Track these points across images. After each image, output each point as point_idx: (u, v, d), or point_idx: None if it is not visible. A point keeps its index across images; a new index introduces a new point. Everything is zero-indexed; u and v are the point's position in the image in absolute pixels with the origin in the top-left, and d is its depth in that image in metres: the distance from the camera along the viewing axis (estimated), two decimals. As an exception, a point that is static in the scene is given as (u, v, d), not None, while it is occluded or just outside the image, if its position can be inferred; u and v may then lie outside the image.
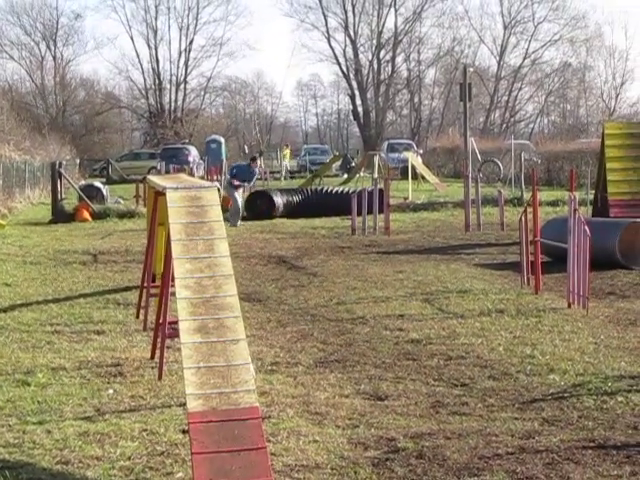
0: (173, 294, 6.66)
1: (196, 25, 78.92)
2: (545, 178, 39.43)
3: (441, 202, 28.32)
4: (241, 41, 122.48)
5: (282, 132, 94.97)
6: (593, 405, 7.23)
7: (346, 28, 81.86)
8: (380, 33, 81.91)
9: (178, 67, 78.66)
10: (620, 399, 7.36)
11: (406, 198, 29.79)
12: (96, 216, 25.99)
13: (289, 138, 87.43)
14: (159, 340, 8.41)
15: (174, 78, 78.65)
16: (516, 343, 9.47)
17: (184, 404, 6.17)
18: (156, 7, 77.78)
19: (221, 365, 5.70)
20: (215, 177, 33.58)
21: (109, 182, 44.37)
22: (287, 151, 58.29)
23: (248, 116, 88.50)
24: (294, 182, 43.55)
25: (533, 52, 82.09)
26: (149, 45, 78.48)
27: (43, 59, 78.28)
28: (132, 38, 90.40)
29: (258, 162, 27.45)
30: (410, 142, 60.65)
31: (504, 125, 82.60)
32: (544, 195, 26.94)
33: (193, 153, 54.85)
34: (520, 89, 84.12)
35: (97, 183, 32.64)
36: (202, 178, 32.90)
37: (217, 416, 5.41)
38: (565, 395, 7.54)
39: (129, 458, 6.20)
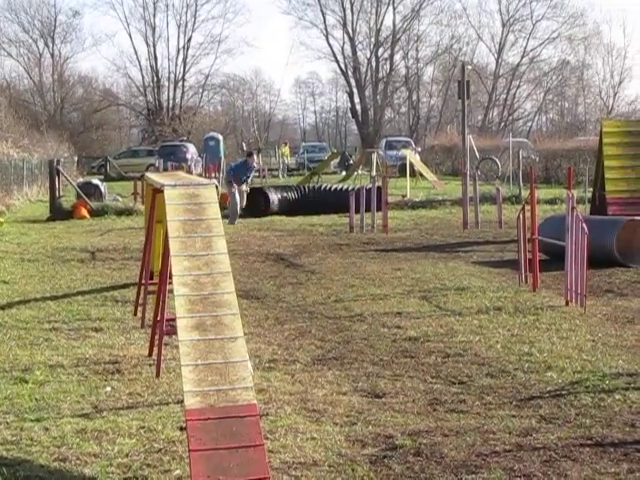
0: (171, 291, 6.65)
1: (194, 22, 78.97)
2: (543, 176, 39.43)
3: (439, 200, 28.32)
4: (239, 38, 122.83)
5: (280, 130, 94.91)
6: (591, 403, 7.23)
7: (344, 26, 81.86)
8: (378, 31, 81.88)
9: (176, 64, 78.70)
10: (618, 397, 7.36)
11: (404, 196, 29.80)
12: (94, 213, 25.99)
13: (287, 135, 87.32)
14: (157, 337, 8.41)
15: (172, 75, 78.67)
16: (514, 341, 9.47)
17: (182, 401, 6.17)
18: (154, 4, 77.80)
19: (219, 362, 5.70)
20: (213, 174, 33.58)
21: (107, 179, 44.32)
22: (286, 148, 58.26)
23: (246, 113, 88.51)
24: (292, 179, 43.55)
25: (531, 50, 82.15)
26: (147, 42, 78.51)
27: (41, 56, 78.23)
28: (130, 35, 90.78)
29: (255, 157, 27.31)
30: (408, 140, 60.65)
31: (502, 123, 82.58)
32: (542, 193, 26.93)
33: (191, 150, 54.85)
34: (518, 87, 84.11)
35: (95, 180, 32.63)
36: (200, 175, 32.85)
37: (215, 413, 5.41)
38: (563, 393, 7.55)
39: (127, 455, 6.20)
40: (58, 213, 25.87)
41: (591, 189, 20.33)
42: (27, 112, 60.05)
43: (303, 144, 68.49)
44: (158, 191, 8.44)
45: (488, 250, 17.45)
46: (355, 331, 10.19)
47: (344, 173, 45.38)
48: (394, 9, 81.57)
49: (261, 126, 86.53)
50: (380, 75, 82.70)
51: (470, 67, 49.37)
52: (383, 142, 57.75)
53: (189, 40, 78.84)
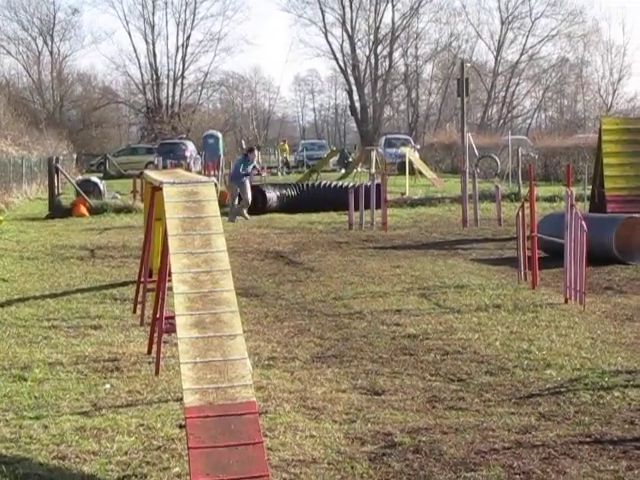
0: (170, 289, 6.65)
1: (193, 20, 78.95)
2: (542, 173, 39.43)
3: (438, 197, 28.31)
4: (238, 36, 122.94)
5: (279, 127, 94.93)
6: (590, 400, 7.24)
7: (343, 23, 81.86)
8: (377, 28, 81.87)
9: (175, 62, 78.68)
10: (617, 394, 7.36)
11: (403, 193, 29.79)
12: (93, 211, 25.97)
13: (286, 133, 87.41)
14: (156, 335, 8.40)
15: (171, 73, 78.68)
16: (513, 338, 9.47)
17: (181, 399, 6.16)
18: (153, 2, 77.76)
19: (218, 360, 5.70)
20: (212, 172, 33.56)
21: (106, 177, 44.33)
22: (285, 146, 58.23)
23: (245, 111, 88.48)
24: (291, 177, 43.54)
25: (530, 47, 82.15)
26: (146, 40, 78.49)
27: (40, 54, 78.21)
28: (129, 33, 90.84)
29: (256, 153, 26.92)
30: (407, 137, 60.68)
31: (501, 120, 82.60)
32: (541, 190, 26.92)
33: (190, 148, 54.85)
34: (517, 84, 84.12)
35: (94, 178, 32.59)
36: (199, 173, 32.87)
37: (214, 411, 5.41)
38: (562, 390, 7.55)
39: (126, 453, 6.20)
40: (57, 211, 25.86)
41: (590, 187, 20.33)
42: (26, 110, 60.04)
43: (302, 142, 68.51)
44: (157, 189, 8.44)
45: (487, 248, 17.45)
46: (354, 329, 10.19)
47: (343, 171, 45.38)
48: (393, 7, 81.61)
49: (260, 124, 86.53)
50: (379, 73, 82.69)
51: (469, 65, 49.41)
52: (382, 140, 57.71)
53: (188, 38, 78.88)
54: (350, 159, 49.81)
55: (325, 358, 8.86)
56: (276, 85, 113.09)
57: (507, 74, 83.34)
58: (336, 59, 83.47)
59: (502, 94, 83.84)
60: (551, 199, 26.41)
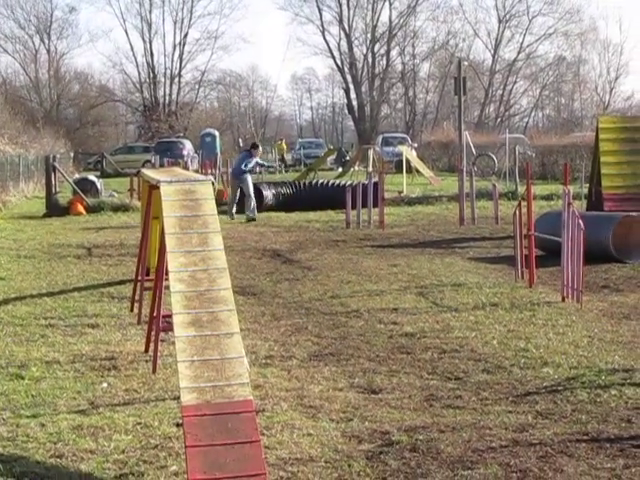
0: (167, 287, 6.65)
1: (190, 18, 79.03)
2: (539, 172, 39.44)
3: (435, 196, 28.31)
4: (236, 34, 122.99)
5: (277, 126, 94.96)
6: (587, 398, 7.24)
7: (341, 22, 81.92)
8: (375, 27, 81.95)
9: (172, 60, 78.75)
10: (614, 392, 7.37)
11: (400, 192, 29.79)
12: (90, 210, 25.96)
13: (284, 132, 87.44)
14: (153, 334, 8.41)
15: (168, 71, 78.76)
16: (510, 337, 9.48)
17: (178, 397, 6.17)
18: (150, 0, 77.79)
19: (215, 358, 5.70)
20: (210, 171, 33.55)
21: (103, 176, 44.32)
22: (284, 144, 58.19)
23: (243, 109, 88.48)
24: (288, 175, 43.53)
25: (528, 46, 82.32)
26: (143, 38, 78.56)
27: (37, 52, 78.27)
28: (126, 31, 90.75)
29: (260, 150, 26.05)
30: (405, 136, 60.69)
31: (499, 119, 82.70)
32: (538, 189, 26.94)
33: (187, 147, 54.86)
34: (515, 83, 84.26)
35: (91, 177, 32.58)
36: (197, 172, 32.85)
37: (211, 409, 5.41)
38: (559, 388, 7.55)
39: (123, 451, 6.20)
40: (54, 209, 25.85)
41: (587, 185, 20.34)
42: (23, 108, 60.05)
43: (299, 140, 68.54)
44: (154, 187, 8.43)
45: (484, 246, 17.46)
46: (351, 327, 10.19)
47: (340, 169, 45.37)
48: (390, 5, 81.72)
49: (257, 122, 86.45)
50: (376, 71, 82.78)
51: (466, 63, 49.40)
52: (379, 138, 57.78)
53: (185, 36, 78.96)
54: (347, 158, 49.83)
55: (322, 356, 8.86)
56: (273, 83, 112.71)
57: (504, 72, 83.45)
58: (333, 57, 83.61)
59: (499, 92, 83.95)
60: (548, 197, 26.43)
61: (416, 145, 52.85)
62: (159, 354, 8.39)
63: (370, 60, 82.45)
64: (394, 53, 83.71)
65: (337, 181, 29.02)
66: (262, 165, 25.58)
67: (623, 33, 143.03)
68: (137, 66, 79.00)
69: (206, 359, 5.68)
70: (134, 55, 79.52)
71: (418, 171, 37.90)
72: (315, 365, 8.54)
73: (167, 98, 78.00)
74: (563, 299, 11.44)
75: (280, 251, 17.09)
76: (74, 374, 8.27)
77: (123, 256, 16.47)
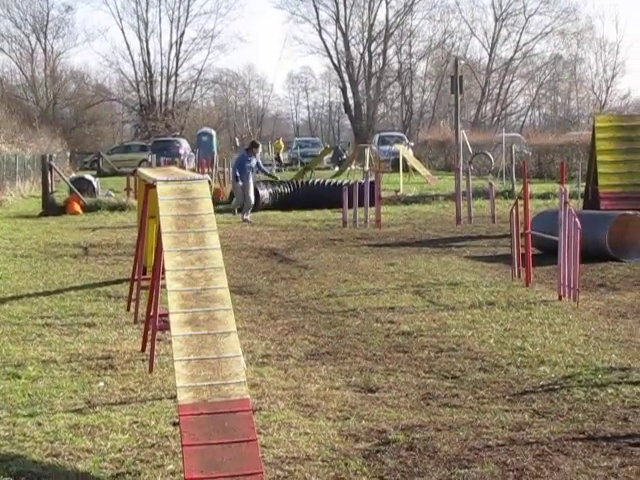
0: (164, 287, 6.65)
1: (187, 17, 79.00)
2: (536, 171, 39.47)
3: (432, 195, 28.32)
4: (232, 33, 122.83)
5: (273, 125, 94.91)
6: (583, 397, 7.25)
7: (337, 20, 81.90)
8: (371, 26, 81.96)
9: (169, 59, 78.71)
10: (610, 391, 7.38)
11: (397, 191, 29.80)
12: (87, 209, 25.93)
13: (280, 131, 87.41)
14: (150, 333, 8.40)
15: (165, 71, 78.70)
16: (507, 335, 9.48)
17: (175, 396, 6.17)
18: (147, -1, 77.69)
19: (212, 357, 5.70)
20: (206, 170, 33.53)
21: (100, 175, 44.30)
22: (281, 143, 58.14)
23: (239, 108, 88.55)
24: (284, 174, 43.51)
25: (524, 45, 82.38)
26: (140, 37, 78.49)
27: (33, 51, 78.16)
28: (123, 30, 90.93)
29: (260, 148, 25.20)
30: (401, 135, 60.71)
31: (495, 118, 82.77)
32: (535, 188, 26.96)
33: (184, 146, 54.84)
34: (511, 82, 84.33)
35: (88, 176, 32.54)
36: (193, 171, 32.83)
37: (208, 408, 5.41)
38: (555, 387, 7.56)
39: (120, 450, 6.20)
40: (51, 209, 25.83)
41: (584, 184, 20.35)
42: (19, 108, 59.98)
43: (296, 139, 68.52)
44: (151, 186, 8.43)
45: (481, 245, 17.46)
46: (348, 326, 10.19)
47: (337, 168, 45.36)
48: (387, 4, 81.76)
49: (254, 121, 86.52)
50: (373, 70, 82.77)
51: (463, 62, 49.42)
52: (376, 137, 57.82)
53: (182, 35, 78.92)
54: (344, 156, 49.81)
55: (319, 355, 8.86)
56: (270, 82, 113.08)
57: (501, 71, 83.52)
58: (330, 56, 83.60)
59: (496, 91, 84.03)
60: (545, 196, 26.43)
61: (413, 144, 52.92)
62: (156, 353, 8.38)
63: (367, 59, 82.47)
64: (391, 52, 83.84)
65: (334, 180, 29.01)
66: (263, 171, 24.69)
67: (619, 32, 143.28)
68: (133, 65, 79.06)
69: (203, 358, 5.68)
70: (130, 54, 79.54)
71: (415, 170, 37.91)
72: (312, 364, 8.54)
73: (164, 97, 77.98)
74: (560, 298, 11.44)
75: (277, 250, 17.09)
76: (71, 373, 8.27)
77: (120, 255, 16.46)
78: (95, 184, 30.05)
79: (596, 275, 13.38)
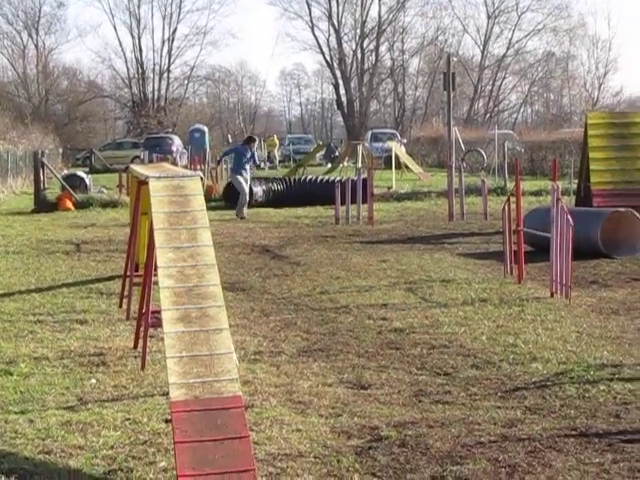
0: (156, 283, 6.64)
1: (179, 14, 78.83)
2: (528, 168, 39.50)
3: (425, 192, 28.32)
4: (224, 30, 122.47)
5: (266, 121, 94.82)
6: (575, 393, 7.26)
7: (330, 17, 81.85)
8: (364, 22, 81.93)
9: (161, 56, 78.54)
10: (602, 387, 7.39)
11: (390, 188, 29.80)
12: (79, 205, 25.91)
13: (273, 127, 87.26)
14: (142, 329, 8.39)
15: (157, 67, 78.53)
16: (499, 332, 9.49)
17: (167, 393, 6.16)
18: (139, -5, 77.51)
19: (204, 354, 5.69)
20: (199, 166, 33.50)
21: (92, 171, 44.18)
22: (275, 140, 58.10)
23: (232, 105, 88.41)
24: (277, 171, 43.48)
25: (517, 42, 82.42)
26: (132, 34, 78.32)
27: (25, 48, 77.86)
28: (115, 27, 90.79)
29: (256, 143, 24.76)
30: (394, 132, 60.70)
31: (488, 115, 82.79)
32: (527, 185, 26.99)
33: (176, 142, 54.76)
34: (504, 79, 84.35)
35: (80, 172, 32.51)
36: (185, 167, 32.79)
37: (200, 405, 5.41)
38: (548, 384, 7.57)
39: (112, 447, 6.19)
40: (43, 205, 25.79)
41: (576, 181, 20.37)
42: (11, 104, 59.90)
43: (289, 136, 68.48)
44: (143, 183, 8.42)
45: (473, 242, 17.48)
46: (340, 323, 10.20)
47: (330, 165, 45.37)
48: (379, 1, 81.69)
49: (247, 118, 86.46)
50: (366, 67, 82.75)
51: (455, 59, 49.43)
52: (369, 134, 57.81)
53: (174, 32, 78.76)
54: (336, 153, 49.82)
55: (311, 352, 8.86)
56: (262, 79, 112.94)
57: (493, 68, 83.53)
58: (322, 53, 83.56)
59: (488, 88, 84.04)
60: (537, 193, 26.46)
61: (405, 141, 52.96)
62: (148, 350, 8.37)
63: (359, 56, 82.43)
64: (383, 49, 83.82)
65: (326, 177, 29.00)
66: (254, 161, 24.53)
67: (612, 29, 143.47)
68: (126, 61, 78.87)
69: (195, 355, 5.67)
70: (123, 50, 79.33)
71: (407, 167, 37.93)
72: (304, 361, 8.54)
73: (156, 94, 77.83)
74: (552, 295, 11.46)
75: (269, 247, 17.08)
76: (63, 370, 8.26)
77: (112, 252, 16.44)
78: (87, 181, 30.01)
79: (588, 272, 13.40)
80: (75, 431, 6.53)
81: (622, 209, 15.13)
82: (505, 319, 10.15)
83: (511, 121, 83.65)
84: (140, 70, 78.03)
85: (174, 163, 34.59)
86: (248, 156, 22.92)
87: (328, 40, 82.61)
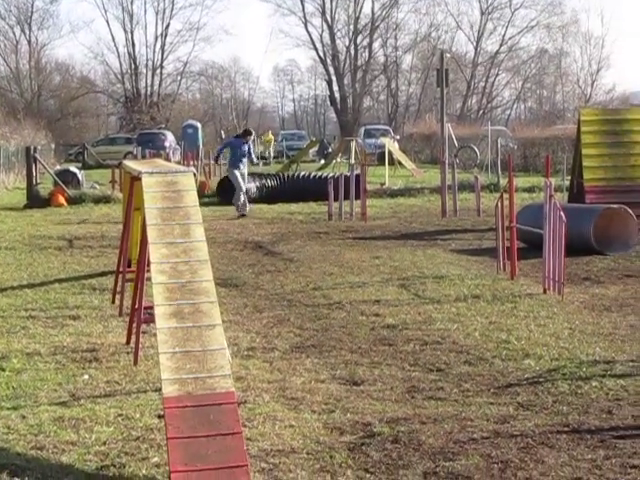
0: (149, 279, 6.63)
1: (172, 9, 78.73)
2: (521, 164, 39.54)
3: (418, 188, 28.34)
4: (218, 26, 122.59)
5: (259, 117, 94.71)
6: (568, 390, 7.27)
7: (323, 13, 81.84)
8: (357, 19, 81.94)
9: (154, 52, 78.46)
10: (594, 384, 7.40)
11: (383, 184, 29.81)
12: (72, 201, 25.87)
13: (266, 124, 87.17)
14: (135, 325, 8.38)
15: (150, 63, 78.45)
16: (492, 328, 9.50)
17: (160, 389, 6.15)
18: (132, -9, 77.39)
19: (197, 350, 5.69)
20: (192, 162, 33.48)
21: (85, 167, 44.16)
22: (270, 136, 58.04)
23: (225, 101, 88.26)
24: (270, 167, 43.44)
25: (510, 38, 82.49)
26: (125, 29, 78.21)
27: (18, 43, 77.71)
28: (108, 22, 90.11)
29: (253, 137, 24.43)
30: (387, 128, 60.75)
31: (481, 111, 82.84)
32: (520, 181, 27.01)
33: (169, 138, 54.69)
34: (497, 75, 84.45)
35: (73, 168, 32.43)
36: (178, 163, 32.78)
37: (193, 401, 5.40)
38: (540, 380, 7.58)
39: (104, 443, 6.18)
40: (35, 201, 25.75)
41: (569, 177, 20.39)
42: (4, 99, 59.84)
43: (282, 132, 68.45)
44: (136, 179, 8.41)
45: (466, 238, 17.49)
46: (333, 319, 10.20)
47: (323, 161, 45.35)
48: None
49: (240, 114, 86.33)
50: (359, 63, 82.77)
51: (449, 55, 49.38)
52: (362, 130, 57.84)
53: (167, 27, 78.66)
54: (330, 149, 49.81)
55: (304, 348, 8.86)
56: (255, 75, 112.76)
57: (487, 65, 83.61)
58: (316, 49, 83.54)
59: (482, 85, 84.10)
60: (530, 190, 26.50)
61: (398, 137, 52.94)
62: (140, 346, 8.36)
63: (352, 52, 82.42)
64: (376, 45, 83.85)
65: (319, 173, 28.99)
66: (251, 160, 24.10)
67: (605, 26, 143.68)
68: (119, 57, 78.77)
69: (188, 351, 5.67)
70: (115, 46, 79.24)
71: (400, 163, 37.95)
72: (297, 357, 8.54)
73: (149, 89, 77.73)
74: (544, 291, 11.47)
75: (262, 243, 17.07)
76: (55, 366, 8.24)
77: (104, 247, 16.42)
78: (80, 176, 29.95)
79: (581, 268, 13.41)
80: (67, 427, 6.52)
81: (615, 206, 15.15)
82: (498, 315, 10.16)
83: (504, 117, 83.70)
84: (133, 66, 77.95)
85: (167, 159, 34.53)
86: (245, 149, 22.60)
87: (321, 36, 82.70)
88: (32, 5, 77.92)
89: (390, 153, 36.11)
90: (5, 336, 9.45)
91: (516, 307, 10.61)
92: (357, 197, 21.68)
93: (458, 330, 9.48)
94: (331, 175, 25.51)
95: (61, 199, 25.77)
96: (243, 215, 21.98)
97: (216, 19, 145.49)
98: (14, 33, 77.55)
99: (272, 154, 54.60)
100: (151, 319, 7.68)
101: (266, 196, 25.60)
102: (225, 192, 24.88)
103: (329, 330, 9.63)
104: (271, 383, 7.61)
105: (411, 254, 15.20)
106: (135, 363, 8.19)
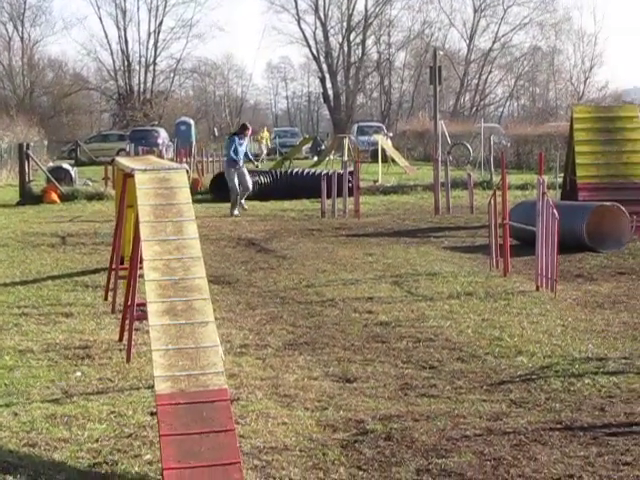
0: (142, 276, 6.63)
1: (165, 6, 78.54)
2: (514, 161, 39.58)
3: (411, 185, 28.34)
4: (211, 23, 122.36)
5: (252, 115, 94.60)
6: (560, 387, 7.27)
7: (316, 10, 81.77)
8: (350, 16, 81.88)
9: (147, 48, 78.32)
10: (587, 381, 7.41)
11: (376, 181, 29.80)
12: (64, 198, 25.83)
13: (259, 121, 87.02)
14: (127, 322, 8.38)
15: (143, 59, 78.31)
16: (485, 326, 9.51)
17: (152, 386, 6.14)
18: (125, -13, 77.25)
19: (190, 347, 5.68)
20: (185, 159, 33.45)
21: (78, 164, 44.04)
22: (266, 133, 57.97)
23: (218, 98, 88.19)
24: (263, 165, 43.41)
25: (503, 35, 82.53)
26: (118, 26, 78.02)
27: (10, 40, 77.45)
28: (101, 19, 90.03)
29: (249, 132, 24.32)
30: (380, 125, 60.69)
31: (474, 108, 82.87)
32: (513, 178, 27.04)
33: (162, 135, 54.62)
34: (490, 72, 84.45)
35: (65, 165, 32.41)
36: (171, 160, 32.73)
37: (185, 398, 5.40)
38: (533, 377, 7.58)
39: (97, 440, 6.17)
40: (28, 198, 25.70)
41: (562, 174, 20.41)
42: (-4, 96, 59.57)
43: (275, 129, 68.42)
44: (129, 176, 8.39)
45: (459, 235, 17.49)
46: (326, 316, 10.19)
47: (316, 158, 45.34)
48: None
49: (233, 111, 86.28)
50: (352, 60, 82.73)
51: (442, 52, 49.44)
52: (355, 127, 57.79)
53: (160, 24, 78.48)
54: (323, 147, 49.78)
55: (297, 345, 8.86)
56: (249, 72, 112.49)
57: (479, 62, 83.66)
58: (309, 46, 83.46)
59: (475, 82, 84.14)
60: (523, 187, 26.53)
61: (391, 134, 52.86)
62: (133, 343, 8.36)
63: (346, 49, 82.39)
64: (370, 42, 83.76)
65: (312, 170, 28.97)
66: (249, 158, 23.70)
67: (597, 23, 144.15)
68: (111, 54, 78.59)
69: (180, 348, 5.66)
70: (108, 43, 79.01)
71: (393, 160, 37.94)
72: (290, 354, 8.54)
73: (142, 86, 77.61)
74: (537, 288, 11.48)
75: (255, 240, 17.06)
76: (48, 363, 8.23)
77: (97, 245, 16.40)
78: (73, 173, 29.91)
79: (573, 266, 13.43)
80: (60, 424, 6.51)
81: (607, 203, 15.17)
82: (491, 312, 10.17)
83: (497, 115, 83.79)
84: (126, 62, 77.82)
85: (160, 156, 34.45)
86: (243, 145, 22.30)
87: (314, 33, 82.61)
88: (25, 1, 77.77)
89: (383, 150, 36.11)
90: (-3, 333, 9.43)
91: (509, 304, 10.62)
92: (350, 194, 21.68)
93: (451, 327, 9.48)
94: (324, 172, 25.50)
95: (54, 196, 25.73)
96: (236, 215, 21.90)
97: (209, 16, 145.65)
98: (6, 29, 77.40)
99: (265, 151, 54.52)
100: (144, 316, 7.67)
101: (259, 193, 25.56)
102: (218, 189, 24.86)
103: (322, 327, 9.63)
104: (264, 380, 7.61)
105: (404, 251, 15.21)
106: (128, 360, 8.19)
